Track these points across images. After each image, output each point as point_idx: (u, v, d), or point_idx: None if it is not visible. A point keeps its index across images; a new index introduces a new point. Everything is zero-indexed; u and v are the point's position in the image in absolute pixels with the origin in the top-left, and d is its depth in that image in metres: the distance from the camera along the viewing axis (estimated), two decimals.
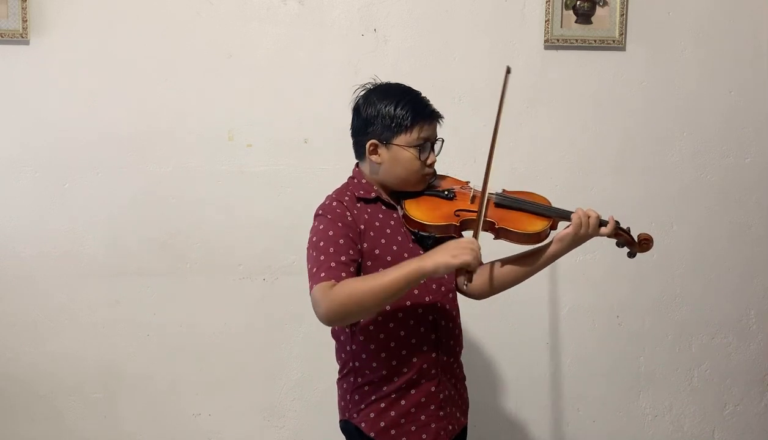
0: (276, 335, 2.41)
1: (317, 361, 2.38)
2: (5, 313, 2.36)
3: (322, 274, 1.48)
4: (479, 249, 1.44)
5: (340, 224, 1.55)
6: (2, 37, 2.26)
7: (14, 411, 2.38)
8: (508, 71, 1.66)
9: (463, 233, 1.67)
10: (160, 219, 2.36)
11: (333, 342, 1.72)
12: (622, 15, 2.38)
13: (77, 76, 2.31)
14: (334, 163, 2.31)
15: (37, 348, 2.37)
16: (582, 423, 2.53)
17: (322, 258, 1.50)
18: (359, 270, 1.57)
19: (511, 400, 2.50)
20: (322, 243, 1.53)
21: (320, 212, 1.60)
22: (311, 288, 1.49)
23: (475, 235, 1.53)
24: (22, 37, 2.26)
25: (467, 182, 1.72)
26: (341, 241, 1.53)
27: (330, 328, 1.70)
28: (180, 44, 2.32)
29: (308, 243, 1.57)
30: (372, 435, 1.60)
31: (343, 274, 1.48)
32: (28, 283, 2.35)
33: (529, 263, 1.69)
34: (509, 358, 2.49)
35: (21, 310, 2.36)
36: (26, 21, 2.25)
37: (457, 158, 2.19)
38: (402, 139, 1.59)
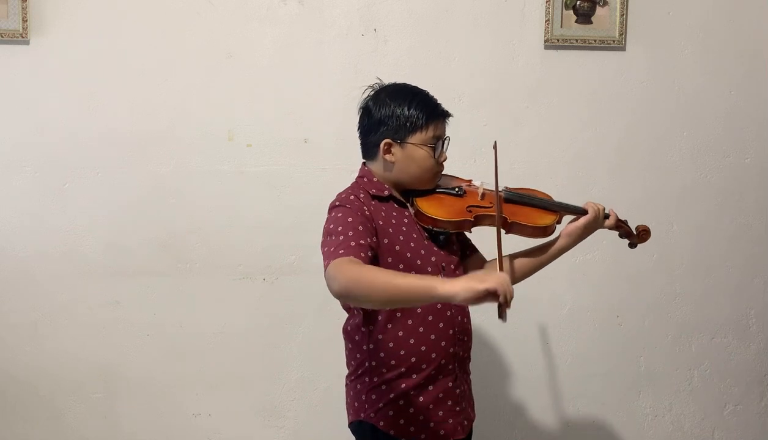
0: (276, 335, 2.41)
1: (317, 361, 2.38)
2: (5, 313, 2.36)
3: (341, 251, 1.45)
4: (509, 282, 1.32)
5: (359, 213, 1.55)
6: (2, 37, 2.26)
7: (14, 411, 2.38)
8: (495, 146, 1.72)
9: (474, 230, 1.69)
10: (160, 219, 2.36)
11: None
12: (622, 15, 2.38)
13: (77, 76, 2.31)
14: (334, 163, 2.32)
15: (37, 348, 2.37)
16: (582, 423, 2.53)
17: (341, 238, 1.48)
18: (376, 263, 1.55)
19: (511, 400, 2.50)
20: (340, 228, 1.51)
21: (337, 203, 1.59)
22: (327, 266, 1.44)
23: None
24: (22, 37, 2.26)
25: (470, 180, 1.75)
26: (360, 228, 1.52)
27: (342, 328, 1.70)
28: (180, 44, 2.32)
29: (323, 234, 1.55)
30: (391, 433, 1.60)
31: (362, 255, 1.46)
32: (28, 283, 2.35)
33: (538, 257, 1.76)
34: (509, 358, 2.49)
35: (21, 310, 2.36)
36: (26, 21, 2.25)
37: (457, 158, 2.19)
38: (416, 137, 1.61)
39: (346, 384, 1.70)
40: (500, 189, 1.72)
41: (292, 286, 2.37)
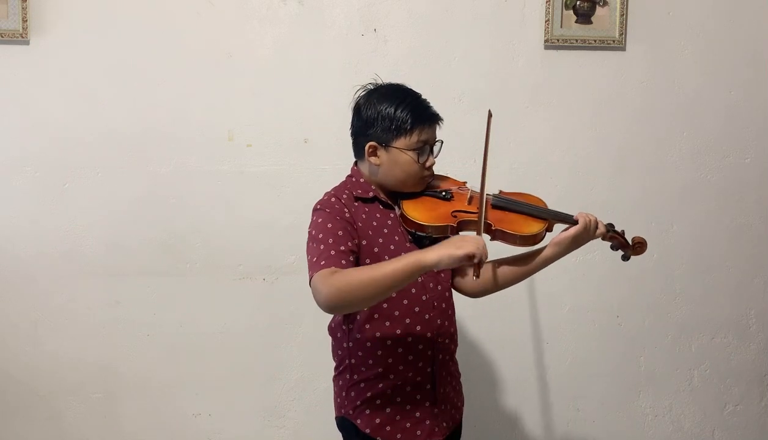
0: (276, 335, 2.41)
1: (317, 361, 2.38)
2: (5, 313, 2.36)
3: (322, 262, 1.48)
4: (484, 244, 1.44)
5: (338, 217, 1.56)
6: (2, 37, 2.26)
7: (14, 411, 2.38)
8: (490, 115, 1.69)
9: (461, 234, 1.68)
10: (160, 219, 2.36)
11: (331, 342, 1.72)
12: (622, 15, 2.38)
13: (77, 76, 2.31)
14: (334, 163, 2.31)
15: (37, 348, 2.37)
16: (582, 423, 2.53)
17: (321, 247, 1.51)
18: (357, 265, 1.56)
19: (511, 400, 2.50)
20: (321, 235, 1.53)
21: (318, 207, 1.61)
22: (311, 277, 1.48)
23: (478, 234, 1.53)
24: (22, 37, 2.26)
25: (464, 182, 1.73)
26: (340, 233, 1.54)
27: (327, 325, 1.72)
28: (180, 44, 2.32)
29: (308, 237, 1.57)
30: (367, 431, 1.61)
31: (343, 262, 1.48)
32: (28, 283, 2.35)
33: (525, 265, 1.69)
34: (509, 358, 2.49)
35: (21, 310, 2.36)
36: (26, 21, 2.25)
37: (457, 158, 2.20)
38: (401, 142, 1.59)
39: (333, 379, 1.72)
40: (494, 193, 1.70)
41: (292, 286, 2.37)
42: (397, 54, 2.37)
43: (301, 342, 2.42)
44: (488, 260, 1.71)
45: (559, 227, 1.69)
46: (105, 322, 2.37)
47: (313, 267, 1.49)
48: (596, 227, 1.67)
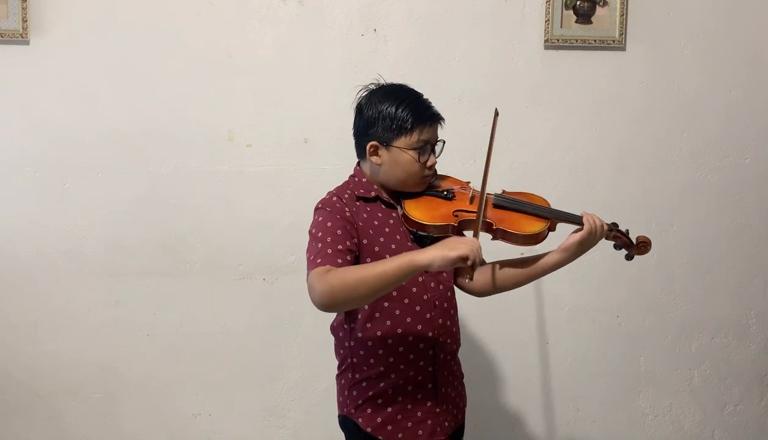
0: (276, 335, 2.41)
1: (317, 361, 2.39)
2: (5, 313, 2.36)
3: (319, 260, 1.49)
4: (479, 247, 1.43)
5: (338, 216, 1.57)
6: (2, 37, 2.26)
7: (14, 411, 2.38)
8: (497, 114, 1.68)
9: (463, 233, 1.68)
10: (160, 219, 2.36)
11: (332, 342, 1.72)
12: (622, 15, 2.38)
13: (77, 76, 2.31)
14: (335, 163, 2.32)
15: (37, 348, 2.37)
16: (582, 423, 2.53)
17: (319, 246, 1.52)
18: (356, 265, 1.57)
19: (511, 400, 2.51)
20: (320, 234, 1.54)
21: (320, 205, 1.62)
22: (308, 275, 1.49)
23: (475, 235, 1.54)
24: (22, 37, 2.26)
25: (468, 182, 1.73)
26: (339, 232, 1.54)
27: (330, 324, 1.72)
28: (180, 44, 2.32)
29: (309, 235, 1.58)
30: (369, 430, 1.62)
31: (340, 261, 1.49)
32: (28, 283, 2.35)
33: (530, 269, 1.69)
34: (509, 358, 2.49)
35: (21, 310, 2.36)
36: (26, 21, 2.25)
37: (457, 158, 2.20)
38: (402, 141, 1.59)
39: (335, 378, 1.72)
40: (497, 193, 1.69)
41: (292, 286, 2.37)
42: (397, 54, 2.37)
43: (301, 342, 2.42)
44: (493, 261, 1.72)
45: (562, 226, 1.68)
46: (105, 322, 2.37)
47: (310, 265, 1.50)
48: (602, 230, 1.66)
